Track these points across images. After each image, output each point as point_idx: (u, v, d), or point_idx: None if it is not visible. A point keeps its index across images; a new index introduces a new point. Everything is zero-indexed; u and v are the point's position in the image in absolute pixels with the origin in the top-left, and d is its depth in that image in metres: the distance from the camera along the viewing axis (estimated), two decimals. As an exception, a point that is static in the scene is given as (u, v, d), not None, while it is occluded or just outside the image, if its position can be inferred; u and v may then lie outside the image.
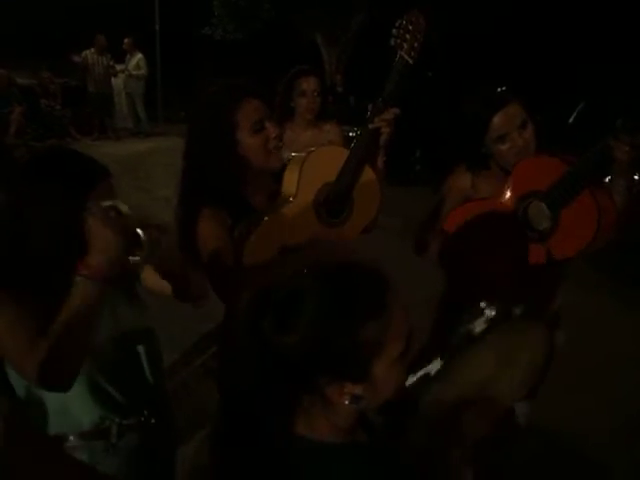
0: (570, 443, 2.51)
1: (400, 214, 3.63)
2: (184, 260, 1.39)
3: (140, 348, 1.33)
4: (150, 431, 1.33)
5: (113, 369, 1.26)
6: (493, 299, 1.36)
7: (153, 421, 1.33)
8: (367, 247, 1.70)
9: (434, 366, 1.02)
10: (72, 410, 1.23)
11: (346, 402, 0.81)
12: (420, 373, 1.01)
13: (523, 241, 1.55)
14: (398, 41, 1.46)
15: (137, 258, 1.12)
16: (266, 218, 1.45)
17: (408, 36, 1.46)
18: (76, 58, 9.51)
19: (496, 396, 1.12)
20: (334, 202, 1.53)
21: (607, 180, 1.49)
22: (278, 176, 1.54)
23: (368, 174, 1.55)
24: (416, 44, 1.46)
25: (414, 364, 1.01)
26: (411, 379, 1.00)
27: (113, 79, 9.63)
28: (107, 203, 1.12)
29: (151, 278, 1.36)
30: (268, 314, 0.80)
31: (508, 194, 1.58)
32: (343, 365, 0.80)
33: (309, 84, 2.67)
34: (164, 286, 1.35)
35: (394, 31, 1.47)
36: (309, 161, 1.50)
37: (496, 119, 1.56)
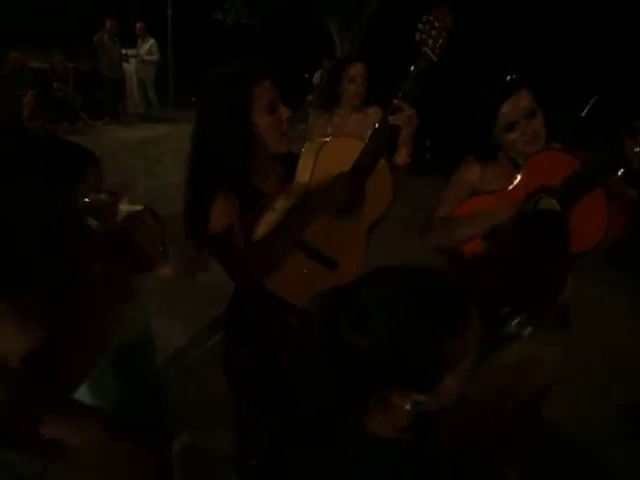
0: (577, 437, 2.52)
1: (409, 203, 3.62)
2: (186, 241, 1.39)
3: (138, 342, 1.34)
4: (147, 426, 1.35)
5: (114, 365, 1.27)
6: (512, 297, 1.38)
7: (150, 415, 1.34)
8: (374, 235, 1.72)
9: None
10: None
11: (407, 407, 0.82)
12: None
13: (534, 236, 1.53)
14: (423, 36, 1.44)
15: None
16: (278, 203, 1.45)
17: (434, 32, 1.44)
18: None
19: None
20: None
21: (619, 173, 1.47)
22: (284, 160, 1.54)
23: (382, 168, 1.55)
24: (441, 41, 1.44)
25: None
26: None
27: (125, 64, 9.61)
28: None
29: None
30: (346, 314, 0.81)
31: (519, 187, 1.55)
32: (415, 376, 0.81)
33: (357, 70, 2.81)
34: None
35: (420, 26, 1.45)
36: (325, 151, 1.50)
37: (505, 107, 1.55)
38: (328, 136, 1.60)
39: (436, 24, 1.44)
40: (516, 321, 1.53)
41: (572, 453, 2.44)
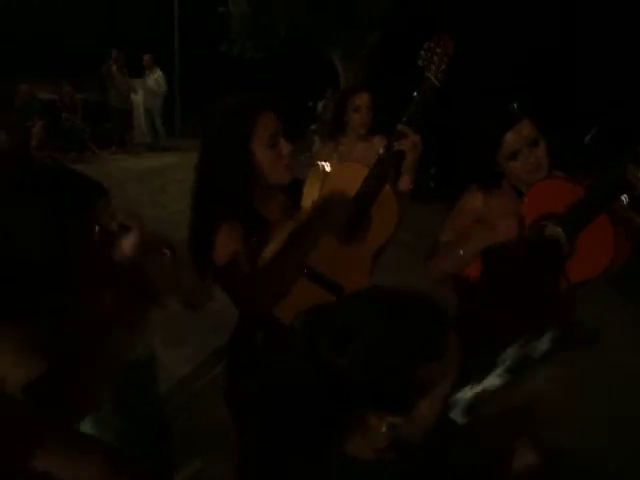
0: (579, 458, 2.47)
1: (414, 230, 3.63)
2: (194, 271, 1.39)
3: (141, 374, 1.33)
4: (151, 459, 1.34)
5: (118, 400, 1.25)
6: (519, 322, 1.36)
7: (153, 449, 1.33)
8: (380, 261, 1.72)
9: (491, 381, 1.01)
10: None
11: (383, 429, 0.82)
12: (478, 389, 1.00)
13: (541, 265, 1.53)
14: (425, 62, 1.48)
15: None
16: (283, 230, 1.45)
17: (436, 58, 1.47)
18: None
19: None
20: (351, 219, 1.53)
21: (624, 199, 1.47)
22: (289, 187, 1.55)
23: (387, 194, 1.55)
24: (443, 66, 1.47)
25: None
26: (468, 393, 0.99)
27: (133, 94, 9.79)
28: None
29: None
30: (328, 332, 0.81)
31: (524, 215, 1.55)
32: (389, 399, 0.80)
33: (362, 100, 2.84)
34: None
35: (422, 52, 1.49)
36: (330, 177, 1.52)
37: (508, 136, 1.56)
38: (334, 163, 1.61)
39: (438, 50, 1.47)
40: (547, 337, 1.51)
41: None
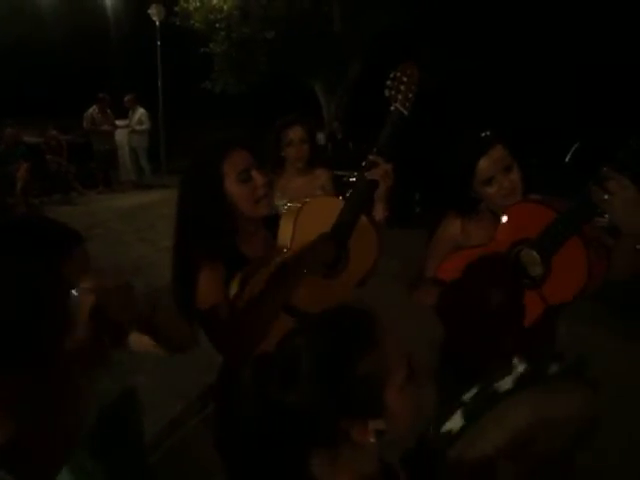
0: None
1: (399, 257, 3.63)
2: (177, 312, 1.39)
3: (122, 419, 1.29)
4: None
5: (98, 447, 1.21)
6: (515, 353, 1.33)
7: None
8: (365, 290, 1.71)
9: (455, 423, 1.00)
10: None
11: (372, 440, 0.84)
12: (443, 429, 1.00)
13: (519, 288, 1.54)
14: (392, 92, 1.49)
15: None
16: (261, 270, 1.45)
17: (402, 87, 1.49)
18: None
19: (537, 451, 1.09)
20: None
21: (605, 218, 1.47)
22: (270, 223, 1.56)
23: (364, 224, 1.56)
24: (410, 95, 1.49)
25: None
26: (434, 432, 0.99)
27: (117, 133, 9.85)
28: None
29: (138, 338, 1.29)
30: (272, 379, 0.84)
31: (500, 241, 1.57)
32: (356, 405, 0.83)
33: (295, 133, 2.73)
34: (147, 344, 1.27)
35: (388, 82, 1.50)
36: (304, 212, 1.51)
37: (482, 163, 1.58)
38: (283, 200, 1.62)
39: (404, 79, 1.49)
40: (512, 376, 1.49)
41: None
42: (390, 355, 0.85)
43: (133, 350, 1.35)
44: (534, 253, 1.49)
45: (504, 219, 1.57)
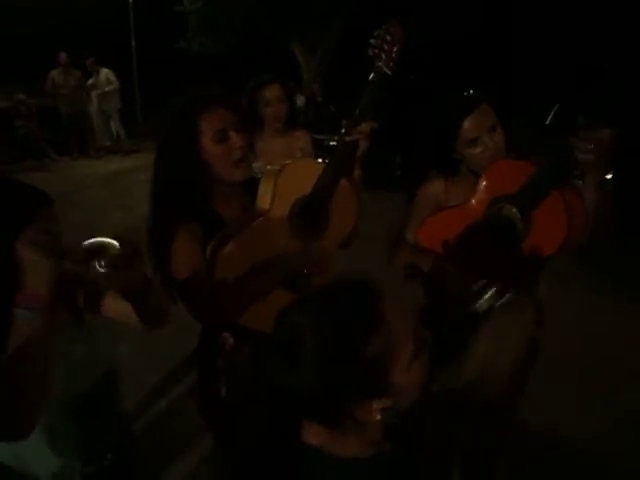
0: (559, 439, 2.51)
1: (381, 220, 3.62)
2: (154, 278, 1.35)
3: (97, 386, 1.26)
4: (114, 476, 1.28)
5: (70, 412, 1.18)
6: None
7: (117, 465, 1.28)
8: (349, 255, 1.69)
9: None
10: (26, 461, 1.15)
11: (378, 417, 0.81)
12: None
13: (502, 246, 1.53)
14: (376, 51, 1.44)
15: (102, 270, 0.98)
16: (239, 232, 1.42)
17: (386, 47, 1.43)
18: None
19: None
20: (309, 215, 1.50)
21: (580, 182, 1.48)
22: (248, 187, 1.52)
23: (345, 186, 1.53)
24: (394, 55, 1.43)
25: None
26: None
27: (86, 97, 9.49)
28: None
29: (114, 306, 1.28)
30: (274, 360, 0.81)
31: (480, 199, 1.56)
32: (362, 386, 0.79)
33: (272, 92, 2.63)
34: (128, 314, 1.24)
35: (372, 41, 1.44)
36: (284, 174, 1.48)
37: (466, 123, 1.55)
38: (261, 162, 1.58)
39: (388, 38, 1.43)
40: (491, 292, 1.53)
41: (556, 454, 2.44)
42: (397, 330, 0.80)
43: (108, 318, 1.32)
44: (514, 209, 1.49)
45: (484, 177, 1.56)
